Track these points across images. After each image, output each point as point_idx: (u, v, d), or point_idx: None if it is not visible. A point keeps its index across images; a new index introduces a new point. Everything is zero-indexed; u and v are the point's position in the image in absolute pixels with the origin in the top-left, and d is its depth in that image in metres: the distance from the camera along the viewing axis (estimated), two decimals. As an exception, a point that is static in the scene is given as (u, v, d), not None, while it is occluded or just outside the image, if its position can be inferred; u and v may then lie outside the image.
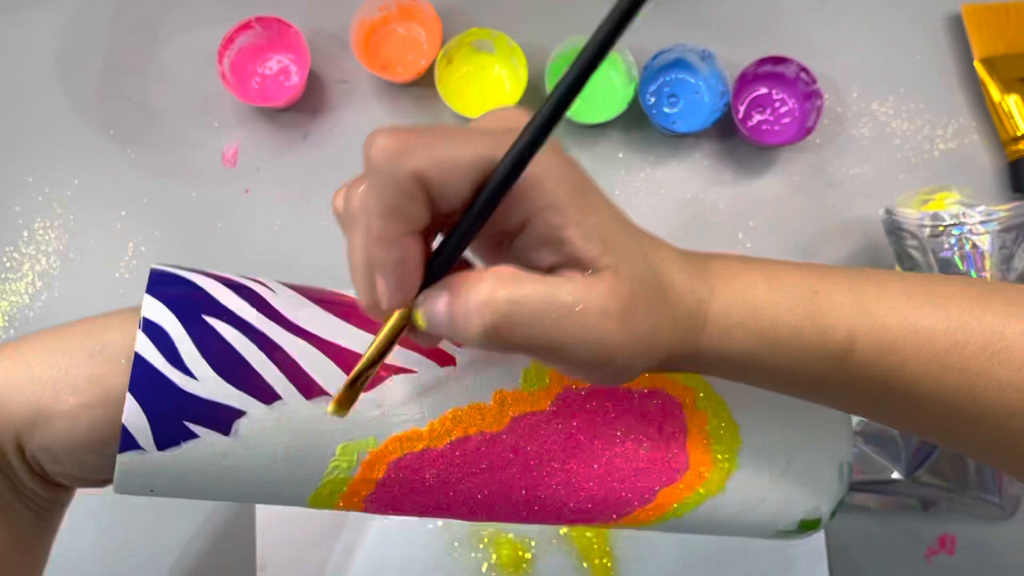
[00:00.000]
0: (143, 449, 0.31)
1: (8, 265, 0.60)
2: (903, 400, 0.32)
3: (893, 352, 0.31)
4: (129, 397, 0.31)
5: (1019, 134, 0.63)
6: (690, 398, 0.39)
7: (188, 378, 0.31)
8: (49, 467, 0.33)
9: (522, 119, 0.27)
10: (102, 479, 0.34)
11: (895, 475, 0.56)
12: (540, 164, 0.27)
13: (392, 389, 0.34)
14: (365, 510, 0.36)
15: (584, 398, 0.37)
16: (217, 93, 0.62)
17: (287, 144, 0.62)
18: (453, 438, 0.35)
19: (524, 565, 0.56)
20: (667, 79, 0.63)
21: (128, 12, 0.64)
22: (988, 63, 0.64)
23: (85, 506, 0.56)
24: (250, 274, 0.34)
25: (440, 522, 0.56)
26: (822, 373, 0.32)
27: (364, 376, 0.31)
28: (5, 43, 0.63)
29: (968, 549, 0.58)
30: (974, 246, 0.56)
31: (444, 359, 0.35)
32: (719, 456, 0.40)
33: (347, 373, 0.32)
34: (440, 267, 0.29)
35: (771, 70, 0.62)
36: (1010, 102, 0.63)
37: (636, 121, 0.63)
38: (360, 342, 0.34)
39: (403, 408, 0.34)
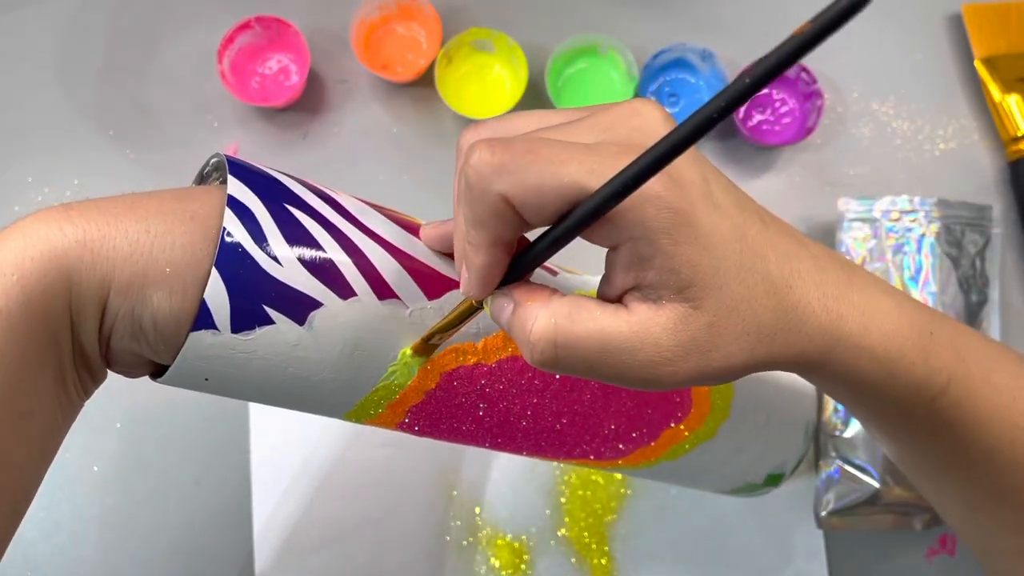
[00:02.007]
0: (217, 329, 0.30)
1: (8, 265, 0.60)
2: (958, 441, 0.35)
3: (971, 400, 0.34)
4: (214, 272, 0.29)
5: (1019, 134, 0.63)
6: None
7: (273, 262, 0.30)
8: (118, 343, 0.31)
9: (656, 127, 0.28)
10: (151, 365, 0.33)
11: (875, 484, 0.56)
12: (641, 193, 0.26)
13: (454, 300, 0.34)
14: (399, 426, 0.36)
15: None
16: (217, 93, 0.62)
17: (287, 144, 0.62)
18: (503, 356, 0.36)
19: (523, 567, 0.56)
20: (667, 79, 0.63)
21: (128, 12, 0.64)
22: (988, 63, 0.64)
23: (86, 508, 0.56)
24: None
25: (436, 525, 0.56)
26: (912, 407, 0.34)
27: (438, 339, 0.32)
28: (5, 43, 0.63)
29: (969, 549, 0.58)
30: (926, 231, 0.59)
31: None
32: (717, 403, 0.42)
33: (415, 280, 0.33)
34: (519, 271, 0.29)
35: (771, 70, 0.62)
36: (1010, 102, 0.63)
37: (636, 121, 0.63)
38: (426, 253, 0.34)
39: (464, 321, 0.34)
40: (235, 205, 0.31)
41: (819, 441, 0.58)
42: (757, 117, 0.63)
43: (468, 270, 0.29)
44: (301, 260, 0.31)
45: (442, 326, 0.32)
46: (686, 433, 0.41)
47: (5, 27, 0.63)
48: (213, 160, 0.34)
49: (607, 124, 0.28)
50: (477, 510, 0.56)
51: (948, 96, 0.65)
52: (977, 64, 0.65)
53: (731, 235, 0.28)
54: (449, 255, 0.35)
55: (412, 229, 0.35)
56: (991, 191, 0.64)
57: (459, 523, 0.56)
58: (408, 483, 0.56)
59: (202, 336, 0.30)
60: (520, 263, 0.29)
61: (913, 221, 0.59)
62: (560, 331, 0.28)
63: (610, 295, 0.29)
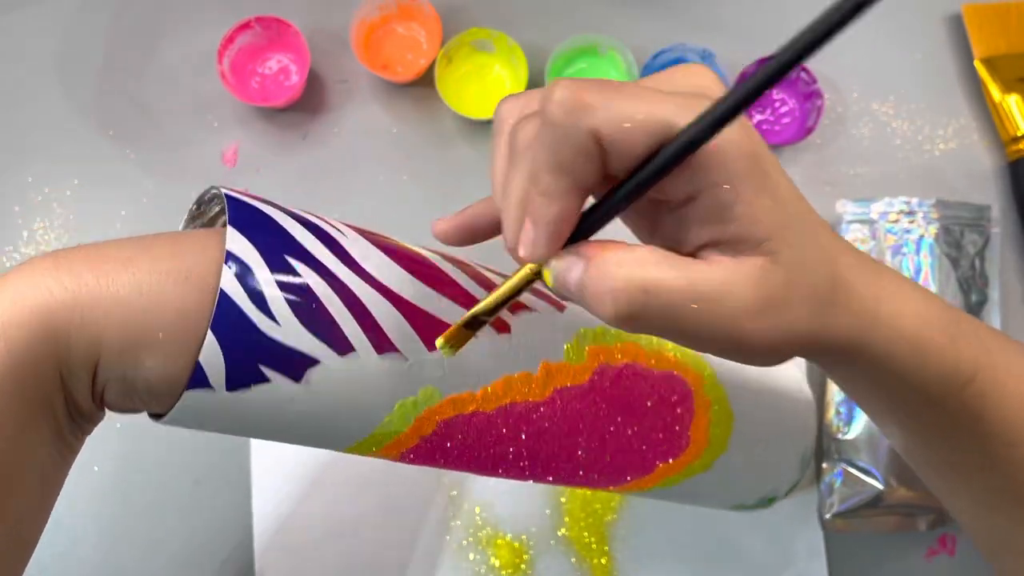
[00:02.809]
0: (212, 388, 0.30)
1: (8, 265, 0.60)
2: (981, 434, 0.35)
3: (997, 392, 0.34)
4: (210, 335, 0.29)
5: (1019, 134, 0.63)
6: (699, 385, 0.42)
7: (270, 321, 0.30)
8: (111, 398, 0.31)
9: (712, 84, 0.27)
10: (149, 410, 0.33)
11: (879, 486, 0.56)
12: (723, 136, 0.25)
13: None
14: (397, 460, 0.36)
15: (616, 375, 0.39)
16: (217, 93, 0.62)
17: (287, 144, 0.62)
18: (502, 404, 0.35)
19: (523, 567, 0.56)
20: (667, 79, 0.63)
21: (128, 12, 0.64)
22: (988, 63, 0.64)
23: (86, 508, 0.56)
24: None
25: (436, 524, 0.56)
26: (942, 398, 0.33)
27: (482, 320, 0.30)
28: (5, 43, 0.63)
29: (968, 549, 0.58)
30: (924, 232, 0.59)
31: (501, 327, 0.35)
32: (714, 440, 0.42)
33: (416, 330, 0.32)
34: (587, 229, 0.28)
35: (771, 70, 0.62)
36: (1010, 102, 0.63)
37: (636, 121, 0.63)
38: (427, 299, 0.34)
39: (462, 371, 0.34)
40: (234, 261, 0.30)
41: (822, 444, 0.58)
42: (757, 117, 0.63)
43: (536, 226, 0.27)
44: (299, 318, 0.31)
45: (492, 301, 0.30)
46: (681, 467, 0.42)
47: (5, 27, 0.63)
48: (212, 191, 0.34)
49: (671, 83, 0.28)
50: (477, 509, 0.56)
51: (948, 96, 0.65)
52: (977, 64, 0.65)
53: (793, 193, 0.28)
54: (456, 267, 0.35)
55: (415, 264, 0.35)
56: (991, 191, 0.64)
57: (459, 523, 0.56)
58: (408, 483, 0.56)
59: (196, 394, 0.30)
60: (591, 218, 0.28)
61: (911, 222, 0.59)
62: (650, 277, 0.26)
63: (684, 253, 0.28)
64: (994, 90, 0.64)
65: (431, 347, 0.33)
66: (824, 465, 0.57)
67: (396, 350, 0.32)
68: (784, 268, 0.27)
